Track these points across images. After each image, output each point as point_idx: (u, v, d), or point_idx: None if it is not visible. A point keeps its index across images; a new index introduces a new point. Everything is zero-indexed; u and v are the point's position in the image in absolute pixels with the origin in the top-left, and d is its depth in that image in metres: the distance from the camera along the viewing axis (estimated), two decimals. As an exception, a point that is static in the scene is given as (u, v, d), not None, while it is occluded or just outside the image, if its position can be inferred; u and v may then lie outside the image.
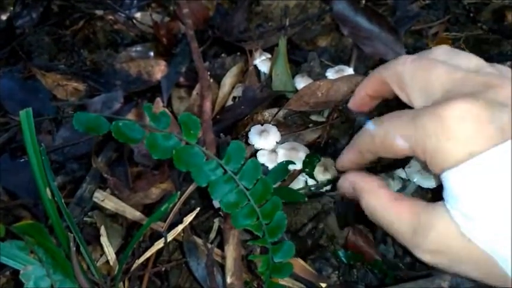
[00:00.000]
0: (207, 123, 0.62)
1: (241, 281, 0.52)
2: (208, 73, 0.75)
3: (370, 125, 0.38)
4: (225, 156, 0.46)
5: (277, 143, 0.63)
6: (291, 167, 0.58)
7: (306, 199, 0.63)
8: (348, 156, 0.42)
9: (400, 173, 0.60)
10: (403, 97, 0.38)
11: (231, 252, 0.53)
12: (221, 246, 0.57)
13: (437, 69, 0.34)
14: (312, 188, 0.62)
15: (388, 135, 0.34)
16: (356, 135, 0.40)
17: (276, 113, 0.69)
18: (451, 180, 0.31)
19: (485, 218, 0.29)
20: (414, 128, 0.32)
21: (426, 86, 0.35)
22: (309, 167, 0.58)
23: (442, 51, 0.37)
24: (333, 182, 0.61)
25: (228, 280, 0.52)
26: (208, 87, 0.66)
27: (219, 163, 0.45)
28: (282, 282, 0.54)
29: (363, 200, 0.38)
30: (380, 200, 0.36)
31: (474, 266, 0.31)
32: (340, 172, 0.45)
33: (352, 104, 0.47)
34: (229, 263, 0.53)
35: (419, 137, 0.32)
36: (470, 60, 0.35)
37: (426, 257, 0.32)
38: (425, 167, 0.52)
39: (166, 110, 0.68)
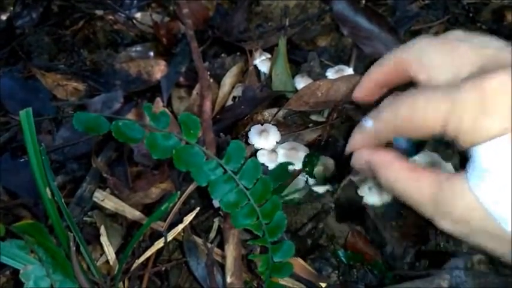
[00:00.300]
0: (207, 123, 0.62)
1: (241, 281, 0.52)
2: (208, 73, 0.75)
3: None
4: (225, 155, 0.46)
5: (277, 142, 0.63)
6: (290, 168, 0.58)
7: (308, 202, 0.64)
8: (360, 136, 0.39)
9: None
10: (422, 78, 0.36)
11: (231, 251, 0.54)
12: (221, 245, 0.57)
13: (463, 47, 0.34)
14: (312, 189, 0.62)
15: (418, 110, 0.33)
16: (375, 111, 0.37)
17: (276, 113, 0.69)
18: (482, 154, 0.31)
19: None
20: (451, 101, 0.31)
21: (452, 63, 0.34)
22: (308, 166, 0.58)
23: (460, 33, 0.36)
24: (334, 181, 0.62)
25: (228, 280, 0.52)
26: (208, 87, 0.66)
27: (219, 163, 0.45)
28: (281, 282, 0.54)
29: (380, 174, 0.37)
30: (398, 173, 0.35)
31: (493, 238, 0.31)
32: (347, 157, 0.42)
33: (358, 93, 0.45)
34: (229, 263, 0.53)
35: (456, 110, 0.31)
36: (492, 39, 0.35)
37: (447, 226, 0.33)
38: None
39: (166, 110, 0.68)
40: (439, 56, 0.35)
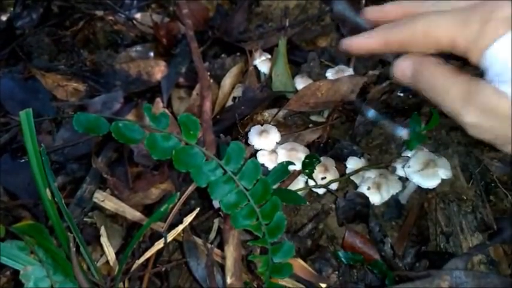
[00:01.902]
0: (207, 124, 0.62)
1: (241, 281, 0.52)
2: (208, 73, 0.75)
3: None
4: (225, 156, 0.46)
5: (277, 143, 0.63)
6: (291, 168, 0.58)
7: (307, 203, 0.64)
8: (368, 42, 0.43)
9: (400, 172, 0.60)
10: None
11: (231, 252, 0.54)
12: (221, 246, 0.57)
13: None
14: (312, 189, 0.62)
15: (432, 24, 0.38)
16: (385, 25, 0.42)
17: (276, 114, 0.69)
18: (495, 55, 0.35)
19: None
20: (460, 16, 0.37)
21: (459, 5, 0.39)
22: (308, 168, 0.58)
23: None
24: (333, 182, 0.62)
25: (228, 280, 0.52)
26: (208, 87, 0.66)
27: (218, 163, 0.45)
28: (281, 282, 0.54)
29: (424, 73, 0.41)
30: (442, 70, 0.40)
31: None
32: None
33: (371, 13, 0.47)
34: (229, 263, 0.53)
35: (465, 22, 0.37)
36: None
37: (472, 118, 0.37)
38: (425, 166, 0.52)
39: (166, 111, 0.68)
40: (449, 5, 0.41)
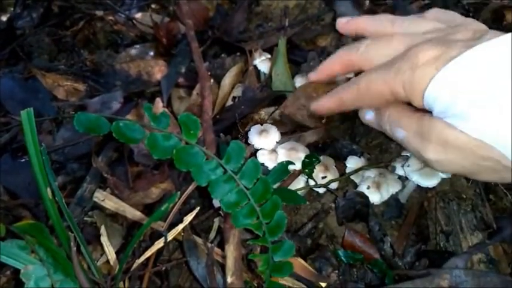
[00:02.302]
0: (207, 123, 0.62)
1: (241, 281, 0.52)
2: (208, 73, 0.75)
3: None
4: (225, 155, 0.46)
5: (277, 142, 0.63)
6: (291, 167, 0.58)
7: (307, 202, 0.64)
8: (329, 104, 0.50)
9: (399, 171, 0.61)
10: (368, 68, 0.47)
11: (231, 251, 0.54)
12: (221, 245, 0.57)
13: (394, 41, 0.45)
14: (312, 189, 0.62)
15: (372, 82, 0.43)
16: (339, 87, 0.49)
17: (273, 112, 0.69)
18: (433, 96, 0.38)
19: (476, 113, 0.36)
20: (392, 70, 0.41)
21: (388, 53, 0.44)
22: (308, 167, 0.58)
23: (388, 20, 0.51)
24: (333, 181, 0.62)
25: (229, 280, 0.52)
26: (209, 87, 0.66)
27: (219, 163, 0.45)
28: (282, 281, 0.54)
29: (383, 122, 0.46)
30: (397, 116, 0.44)
31: (469, 155, 0.37)
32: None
33: (314, 77, 0.55)
34: (230, 263, 0.53)
35: (396, 76, 0.40)
36: (420, 25, 0.47)
37: (433, 154, 0.40)
38: (424, 165, 0.53)
39: (166, 110, 0.68)
40: (378, 51, 0.45)
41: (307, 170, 0.58)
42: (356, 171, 0.62)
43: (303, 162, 0.58)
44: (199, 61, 0.69)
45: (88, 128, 0.42)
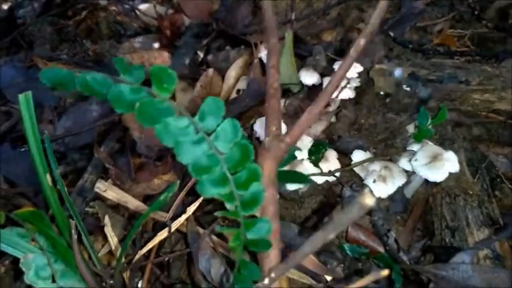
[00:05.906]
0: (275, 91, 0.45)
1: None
2: (212, 69, 0.74)
3: None
4: (199, 113, 0.38)
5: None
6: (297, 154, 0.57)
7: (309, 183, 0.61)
8: None
9: (404, 165, 0.60)
10: None
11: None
12: (224, 237, 0.56)
13: None
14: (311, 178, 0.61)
15: None
16: None
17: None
18: None
19: None
20: None
21: None
22: (315, 154, 0.57)
23: None
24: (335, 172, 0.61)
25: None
26: (277, 43, 0.45)
27: (190, 121, 0.38)
28: (288, 274, 0.53)
29: None
30: None
31: None
32: None
33: None
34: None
35: None
36: None
37: None
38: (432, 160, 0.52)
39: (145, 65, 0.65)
40: None
41: (313, 157, 0.57)
42: (360, 163, 0.61)
43: (310, 150, 0.57)
44: (271, 18, 0.47)
45: (55, 83, 0.38)
